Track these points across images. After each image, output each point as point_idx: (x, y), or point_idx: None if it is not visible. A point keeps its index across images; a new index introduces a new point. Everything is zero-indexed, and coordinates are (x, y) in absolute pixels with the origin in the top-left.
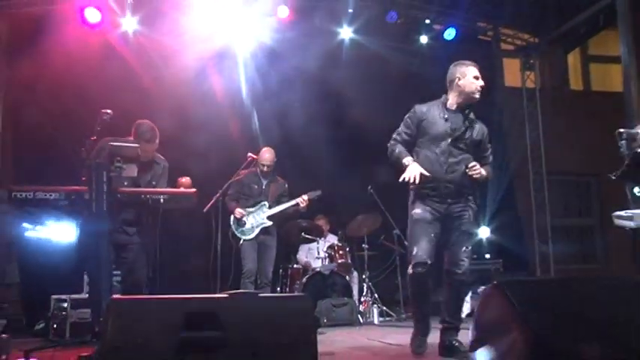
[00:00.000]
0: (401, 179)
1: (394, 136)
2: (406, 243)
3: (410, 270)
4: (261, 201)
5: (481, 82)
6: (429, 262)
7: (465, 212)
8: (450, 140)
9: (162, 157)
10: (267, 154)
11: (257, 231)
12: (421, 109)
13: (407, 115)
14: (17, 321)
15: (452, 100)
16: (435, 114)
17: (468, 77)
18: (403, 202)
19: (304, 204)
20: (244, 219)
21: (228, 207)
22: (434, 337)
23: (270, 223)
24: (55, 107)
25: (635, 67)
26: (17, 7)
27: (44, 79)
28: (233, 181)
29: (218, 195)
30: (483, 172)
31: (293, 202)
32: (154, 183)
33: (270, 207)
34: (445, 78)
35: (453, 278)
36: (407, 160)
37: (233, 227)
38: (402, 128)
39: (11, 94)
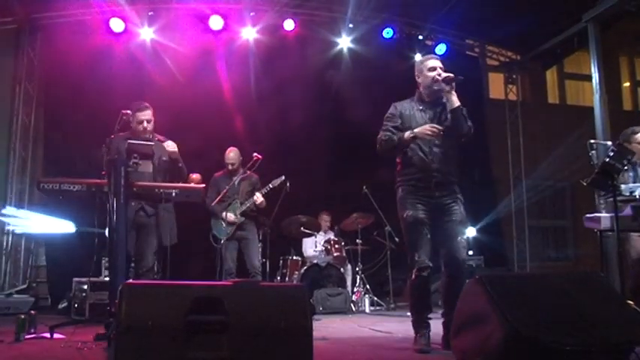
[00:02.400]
0: (431, 133)
1: (381, 133)
2: (397, 239)
3: (414, 275)
4: (234, 199)
5: (437, 72)
6: (431, 264)
7: (453, 205)
8: None
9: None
10: (231, 154)
11: (234, 228)
12: (399, 104)
13: (387, 114)
14: (43, 300)
15: (423, 94)
16: (411, 107)
17: (424, 72)
18: (395, 201)
19: (259, 201)
20: (220, 220)
21: (210, 209)
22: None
23: (243, 219)
24: (81, 107)
25: (604, 85)
26: (52, 18)
27: (73, 81)
28: (210, 184)
29: (225, 191)
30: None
31: (251, 202)
32: (164, 158)
33: (241, 204)
34: None
35: (451, 271)
36: (407, 132)
37: (213, 230)
38: (387, 124)
39: (43, 95)
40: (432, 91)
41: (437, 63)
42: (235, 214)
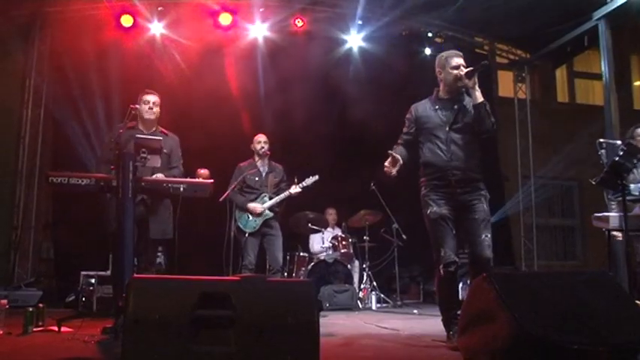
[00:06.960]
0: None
1: (398, 140)
2: (404, 236)
3: (441, 271)
4: (262, 193)
5: (460, 70)
6: (457, 260)
7: (477, 202)
8: (447, 128)
9: (171, 134)
10: (262, 138)
11: (260, 223)
12: (416, 107)
13: (406, 116)
14: (51, 293)
15: (441, 91)
16: (425, 108)
17: (447, 68)
18: (403, 198)
19: (294, 191)
20: (247, 213)
21: (235, 201)
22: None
23: (271, 214)
24: (90, 101)
25: (614, 84)
26: (62, 12)
27: (81, 75)
28: (235, 176)
29: (234, 186)
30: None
31: (287, 194)
32: (165, 151)
33: (270, 198)
34: None
35: (476, 269)
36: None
37: (239, 222)
38: (403, 130)
39: (53, 89)
40: (455, 88)
41: (460, 61)
42: (263, 206)
